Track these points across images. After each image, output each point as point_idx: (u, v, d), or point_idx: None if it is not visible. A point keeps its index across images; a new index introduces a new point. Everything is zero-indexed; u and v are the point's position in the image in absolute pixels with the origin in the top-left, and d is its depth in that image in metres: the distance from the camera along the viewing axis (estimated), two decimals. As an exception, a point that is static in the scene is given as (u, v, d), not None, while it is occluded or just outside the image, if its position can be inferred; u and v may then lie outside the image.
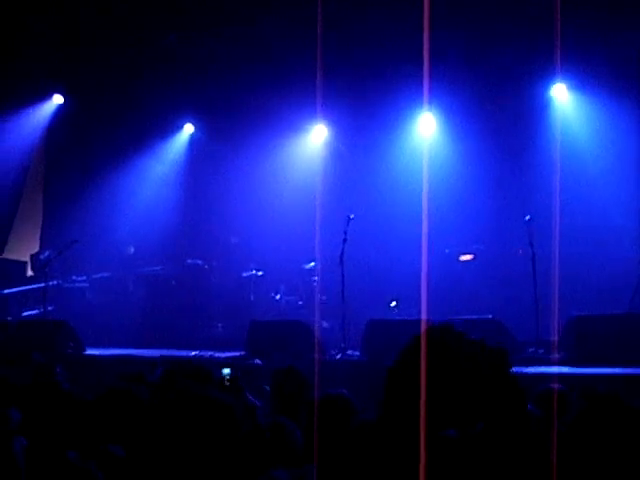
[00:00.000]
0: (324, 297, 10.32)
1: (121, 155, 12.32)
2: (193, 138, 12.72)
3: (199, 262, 11.51)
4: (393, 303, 10.04)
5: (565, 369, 6.86)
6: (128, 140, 12.25)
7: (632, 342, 7.12)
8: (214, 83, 11.78)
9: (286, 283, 11.04)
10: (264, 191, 11.82)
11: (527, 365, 7.22)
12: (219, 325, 10.75)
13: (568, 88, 10.99)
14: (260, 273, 11.09)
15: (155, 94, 11.86)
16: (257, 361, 7.67)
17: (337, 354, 8.13)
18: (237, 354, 8.05)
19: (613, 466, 2.39)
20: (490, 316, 8.05)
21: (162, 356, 8.01)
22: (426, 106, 10.97)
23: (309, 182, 11.04)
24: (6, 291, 11.28)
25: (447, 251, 10.46)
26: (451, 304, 9.22)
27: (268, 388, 4.70)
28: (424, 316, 6.25)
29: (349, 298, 8.91)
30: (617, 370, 6.43)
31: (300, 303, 10.67)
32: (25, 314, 10.88)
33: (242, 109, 11.79)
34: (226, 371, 4.34)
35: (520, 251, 9.85)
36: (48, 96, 12.49)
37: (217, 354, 8.37)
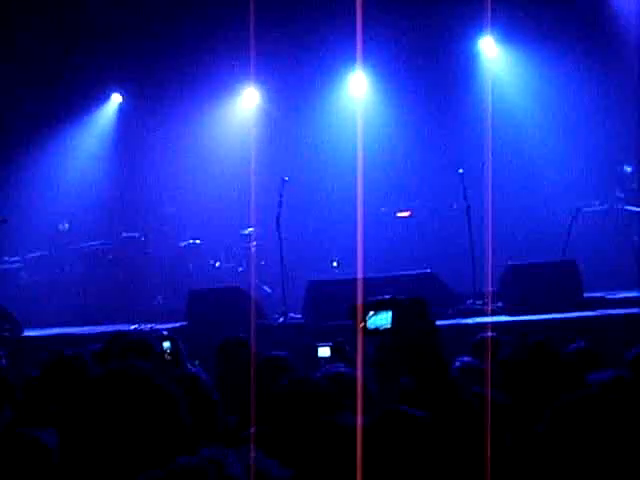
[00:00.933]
0: (263, 262, 10.30)
1: (49, 128, 11.97)
2: (122, 107, 12.42)
3: (135, 235, 11.33)
4: (335, 263, 10.06)
5: (502, 318, 7.00)
6: (55, 112, 11.90)
7: (565, 287, 7.29)
8: (140, 48, 11.48)
9: (225, 250, 10.96)
10: (197, 158, 11.65)
11: (465, 316, 7.34)
12: (159, 297, 10.64)
13: (496, 41, 11.05)
14: (198, 242, 10.98)
15: (79, 64, 11.52)
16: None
17: (279, 318, 8.13)
18: (177, 325, 7.98)
19: (538, 406, 2.45)
20: (428, 270, 8.13)
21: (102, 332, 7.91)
22: (358, 64, 10.91)
23: (242, 146, 10.92)
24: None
25: (383, 209, 10.50)
26: (389, 260, 9.30)
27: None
28: (360, 274, 6.29)
29: (288, 261, 8.90)
30: (551, 316, 6.59)
31: (240, 269, 10.61)
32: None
33: (171, 74, 11.54)
34: (166, 344, 4.29)
35: (454, 205, 9.95)
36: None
37: (157, 326, 8.29)
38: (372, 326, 2.05)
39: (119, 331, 4.99)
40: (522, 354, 3.02)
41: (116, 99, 12.43)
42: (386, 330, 2.06)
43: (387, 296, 2.09)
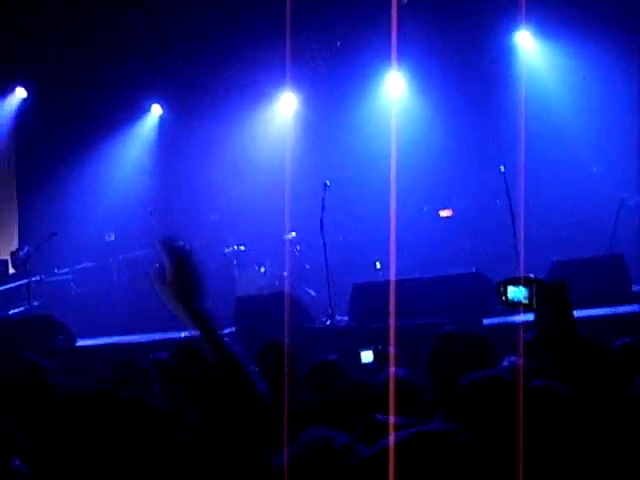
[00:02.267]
0: (308, 265, 10.36)
1: (92, 142, 12.21)
2: (162, 118, 12.63)
3: (180, 243, 11.47)
4: (378, 265, 10.08)
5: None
6: (97, 126, 12.14)
7: (613, 282, 7.22)
8: (179, 59, 11.66)
9: (270, 256, 11.05)
10: (237, 165, 11.78)
11: (513, 314, 7.30)
12: (206, 304, 10.75)
13: (532, 35, 10.97)
14: (242, 248, 11.09)
15: (119, 76, 11.73)
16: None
17: (326, 321, 8.18)
18: (226, 331, 8.07)
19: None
20: (474, 269, 8.11)
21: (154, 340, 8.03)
22: (394, 65, 10.93)
23: (281, 152, 11.00)
24: (-11, 290, 11.23)
25: (425, 209, 10.49)
26: (435, 260, 9.29)
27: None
28: (393, 276, 6.30)
29: (333, 264, 8.95)
30: (600, 311, 6.53)
31: (285, 274, 10.70)
32: (11, 312, 10.83)
33: (209, 83, 11.70)
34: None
35: (498, 202, 9.90)
36: (10, 89, 12.33)
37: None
38: (513, 299, 2.25)
39: (183, 339, 5.07)
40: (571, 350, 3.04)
41: (156, 110, 12.64)
42: (526, 304, 2.27)
43: (531, 275, 2.30)
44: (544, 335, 2.27)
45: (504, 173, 8.80)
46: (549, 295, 2.18)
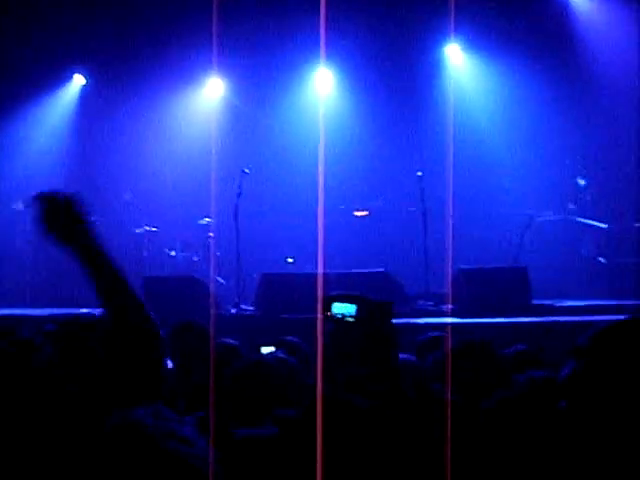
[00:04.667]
0: (218, 253, 10.29)
1: (8, 108, 11.79)
2: (84, 90, 12.27)
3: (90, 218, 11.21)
4: (290, 260, 10.10)
5: (451, 319, 7.12)
6: (16, 93, 11.72)
7: (514, 293, 7.45)
8: (106, 31, 11.37)
9: (181, 239, 10.92)
10: (158, 146, 11.58)
11: (417, 317, 7.46)
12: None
13: (462, 48, 11.20)
14: (154, 229, 10.92)
15: (43, 41, 11.36)
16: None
17: (232, 309, 8.15)
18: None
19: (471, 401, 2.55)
20: (382, 269, 8.23)
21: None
22: (323, 60, 10.97)
23: (203, 136, 10.88)
24: None
25: (342, 207, 10.57)
26: (345, 258, 9.37)
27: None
28: (320, 270, 6.35)
29: (244, 253, 8.91)
30: (499, 320, 6.73)
31: (195, 259, 10.59)
32: None
33: (135, 60, 11.43)
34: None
35: (413, 207, 10.07)
36: None
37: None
38: (337, 313, 2.18)
39: (73, 314, 4.95)
40: (458, 353, 3.17)
41: (78, 81, 12.27)
42: (349, 321, 2.19)
43: (356, 293, 2.25)
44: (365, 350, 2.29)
45: (421, 178, 8.96)
46: (376, 314, 2.20)
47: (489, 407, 2.24)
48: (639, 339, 1.39)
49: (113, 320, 2.04)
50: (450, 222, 7.62)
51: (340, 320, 2.20)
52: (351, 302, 2.20)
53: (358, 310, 2.14)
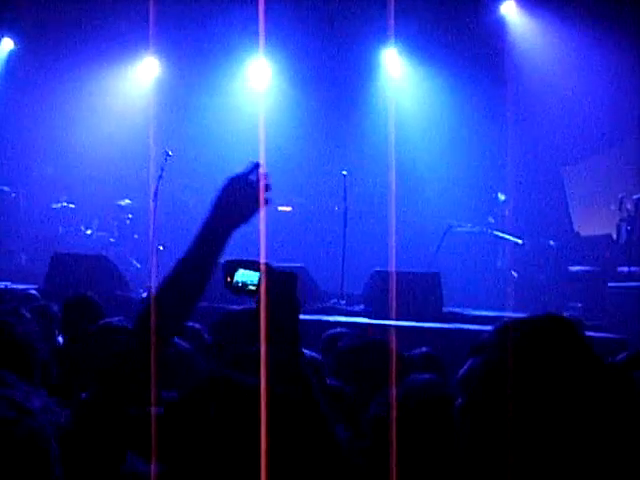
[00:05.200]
0: (136, 235, 10.10)
1: None
2: (11, 54, 11.83)
3: (5, 189, 10.86)
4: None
5: (361, 319, 7.14)
6: None
7: (426, 298, 7.52)
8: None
9: (100, 218, 10.68)
10: (85, 121, 11.28)
11: (327, 314, 7.47)
12: (23, 256, 10.25)
13: (399, 52, 11.27)
14: (72, 206, 10.64)
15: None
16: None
17: (143, 292, 8.00)
18: (34, 286, 7.69)
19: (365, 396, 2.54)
20: (299, 264, 8.21)
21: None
22: (261, 49, 10.88)
23: (133, 115, 10.67)
24: None
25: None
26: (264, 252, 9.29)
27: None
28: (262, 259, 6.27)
29: (160, 237, 8.76)
30: (408, 323, 6.78)
31: (112, 240, 10.36)
32: None
33: (69, 28, 11.10)
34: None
35: (337, 207, 10.10)
36: None
37: (14, 285, 7.97)
38: (239, 281, 2.05)
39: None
40: (357, 350, 3.17)
41: (6, 45, 11.84)
42: (251, 291, 2.07)
43: (263, 261, 2.10)
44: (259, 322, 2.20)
45: (345, 177, 8.98)
46: (280, 285, 2.09)
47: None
48: (538, 334, 1.39)
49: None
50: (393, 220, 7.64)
51: (241, 289, 2.08)
52: (254, 270, 2.08)
53: (260, 278, 2.03)
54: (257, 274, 1.99)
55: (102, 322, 3.78)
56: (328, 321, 7.13)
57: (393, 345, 3.60)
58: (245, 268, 2.00)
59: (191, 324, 4.87)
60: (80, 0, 10.98)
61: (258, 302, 1.95)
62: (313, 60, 11.05)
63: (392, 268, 8.20)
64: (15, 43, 11.80)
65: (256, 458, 1.84)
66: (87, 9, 11.01)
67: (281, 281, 1.97)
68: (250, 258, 2.06)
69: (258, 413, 1.89)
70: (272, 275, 1.98)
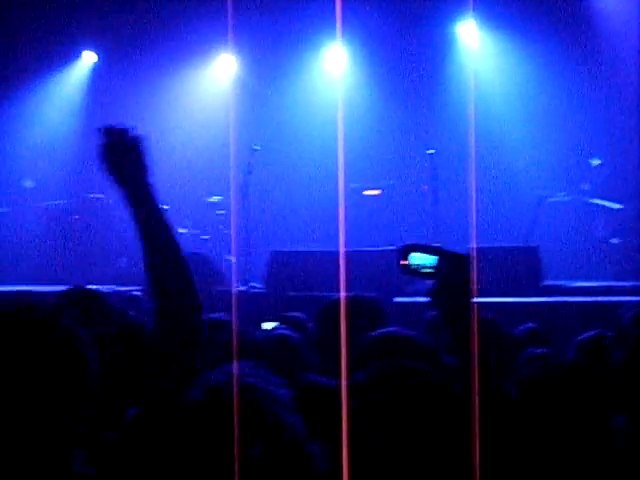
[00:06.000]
0: (227, 230, 10.26)
1: (18, 85, 11.77)
2: (94, 67, 12.25)
3: (101, 196, 11.21)
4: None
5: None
6: (26, 70, 11.70)
7: (525, 273, 7.37)
8: (114, 5, 11.31)
9: (191, 217, 10.90)
10: (168, 123, 11.53)
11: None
12: (123, 259, 10.56)
13: (478, 26, 11.04)
14: (166, 207, 10.87)
15: (52, 18, 11.33)
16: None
17: (240, 286, 8.13)
18: (139, 288, 7.92)
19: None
20: (393, 247, 8.15)
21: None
22: (338, 37, 10.87)
23: (214, 113, 10.83)
24: None
25: (352, 186, 10.51)
26: (356, 237, 9.31)
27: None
28: (342, 248, 6.31)
29: (254, 231, 8.88)
30: (509, 299, 6.67)
31: (205, 237, 10.57)
32: None
33: (147, 34, 11.37)
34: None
35: (425, 187, 10.00)
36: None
37: (119, 288, 8.23)
38: (413, 264, 2.11)
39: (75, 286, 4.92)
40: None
41: (89, 58, 12.24)
42: (427, 273, 2.14)
43: (435, 244, 2.20)
44: (445, 307, 2.24)
45: (432, 156, 8.88)
46: (454, 267, 2.12)
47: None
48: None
49: (158, 295, 1.94)
50: (473, 198, 7.53)
51: (416, 271, 2.15)
52: (431, 253, 2.14)
53: (438, 261, 2.09)
54: (432, 257, 2.05)
55: (207, 317, 3.86)
56: (424, 302, 7.07)
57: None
58: (419, 251, 2.06)
59: (295, 314, 4.93)
60: (152, 5, 11.21)
61: (438, 284, 2.00)
62: (388, 40, 10.97)
63: (473, 244, 8.06)
64: (97, 54, 12.18)
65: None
66: (160, 12, 11.23)
67: (456, 263, 2.00)
68: (423, 242, 2.13)
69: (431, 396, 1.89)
70: (448, 258, 2.03)
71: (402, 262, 2.16)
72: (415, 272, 2.15)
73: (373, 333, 2.92)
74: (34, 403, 1.44)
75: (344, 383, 1.98)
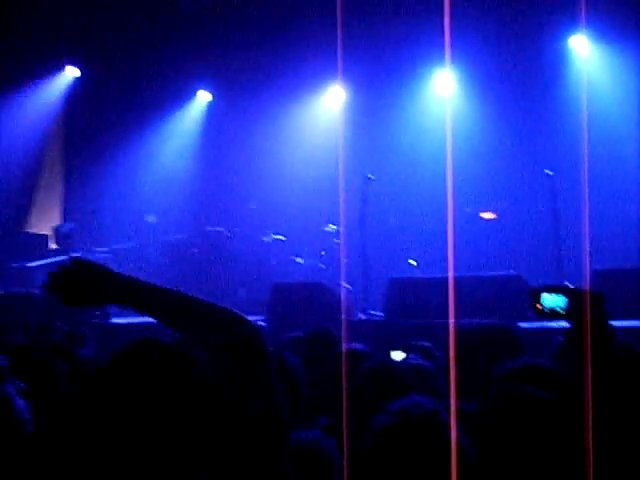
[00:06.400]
0: (346, 259, 10.32)
1: (139, 123, 12.32)
2: (210, 104, 12.72)
3: (220, 229, 11.55)
4: (412, 262, 10.01)
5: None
6: (146, 108, 12.25)
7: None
8: (229, 46, 11.69)
9: (308, 247, 11.06)
10: (282, 155, 11.79)
11: (549, 319, 7.18)
12: (242, 290, 10.80)
13: (589, 39, 10.78)
14: (282, 238, 11.11)
15: (169, 60, 11.82)
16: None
17: (360, 314, 8.15)
18: (260, 317, 8.08)
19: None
20: (514, 272, 7.99)
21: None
22: (447, 62, 10.83)
23: (327, 144, 10.99)
24: (29, 264, 11.37)
25: (468, 209, 10.39)
26: (473, 262, 9.19)
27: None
28: (451, 274, 6.24)
29: (371, 259, 8.90)
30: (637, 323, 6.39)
31: (322, 266, 10.68)
32: (50, 285, 10.96)
33: (257, 71, 11.71)
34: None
35: (542, 207, 9.77)
36: (61, 68, 12.49)
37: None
38: (547, 307, 2.11)
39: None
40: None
41: (204, 97, 12.72)
42: (562, 314, 2.13)
43: (566, 283, 2.18)
44: (579, 346, 2.18)
45: (552, 177, 8.67)
46: (588, 306, 2.07)
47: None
48: None
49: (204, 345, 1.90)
50: (586, 221, 7.30)
51: (550, 313, 2.13)
52: (561, 294, 2.12)
53: (570, 302, 2.06)
54: (563, 298, 2.03)
55: (346, 348, 3.91)
56: (552, 327, 6.87)
57: None
58: (549, 292, 2.04)
59: (422, 342, 4.91)
60: (265, 41, 11.51)
61: (574, 326, 1.97)
62: (497, 60, 10.84)
63: (586, 269, 7.81)
64: (211, 93, 12.62)
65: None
66: (271, 48, 11.52)
67: (591, 301, 1.97)
68: (553, 283, 2.10)
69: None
70: (581, 297, 2.00)
71: (535, 305, 2.14)
72: (549, 314, 2.12)
73: (511, 363, 2.87)
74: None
75: (453, 409, 1.97)
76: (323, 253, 10.30)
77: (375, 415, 2.28)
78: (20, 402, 1.44)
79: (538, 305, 2.14)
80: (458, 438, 1.53)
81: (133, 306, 1.93)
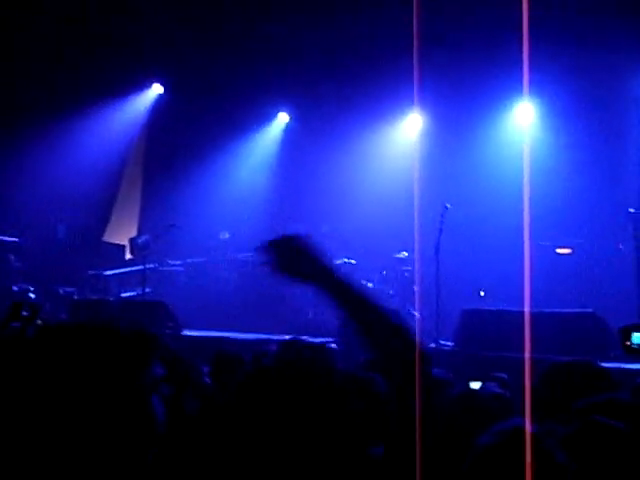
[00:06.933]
0: (416, 287, 10.28)
1: (219, 142, 12.58)
2: (288, 126, 12.89)
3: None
4: (482, 293, 9.92)
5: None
6: (225, 127, 12.50)
7: None
8: (311, 71, 11.86)
9: (379, 272, 11.04)
10: (357, 180, 11.85)
11: (626, 361, 7.02)
12: (310, 312, 10.84)
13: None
14: (352, 261, 11.12)
15: (252, 82, 12.04)
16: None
17: (430, 343, 8.09)
18: (328, 340, 8.08)
19: None
20: (590, 310, 7.84)
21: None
22: (525, 94, 10.76)
23: (402, 171, 10.99)
24: (107, 272, 11.68)
25: (542, 243, 10.25)
26: (547, 297, 9.04)
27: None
28: (527, 308, 6.16)
29: (443, 288, 8.84)
30: None
31: (391, 292, 10.65)
32: (124, 295, 11.24)
33: (337, 95, 11.83)
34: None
35: (621, 245, 9.57)
36: (148, 85, 12.87)
37: (309, 339, 8.42)
38: (637, 344, 2.12)
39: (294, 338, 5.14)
40: None
41: (282, 118, 12.91)
42: None
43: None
44: None
45: (633, 215, 8.50)
46: None
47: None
48: None
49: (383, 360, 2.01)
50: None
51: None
52: None
53: None
54: None
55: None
56: (630, 368, 6.70)
57: None
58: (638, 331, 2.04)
59: (499, 374, 4.85)
60: (344, 68, 11.63)
61: None
62: (576, 94, 10.71)
63: None
64: (290, 115, 12.80)
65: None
66: (352, 78, 11.63)
67: None
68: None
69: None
70: None
71: (626, 343, 2.14)
72: (638, 351, 2.12)
73: (595, 397, 2.83)
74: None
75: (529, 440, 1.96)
76: (384, 273, 10.31)
77: (467, 439, 2.28)
78: (160, 409, 1.53)
79: (627, 342, 2.13)
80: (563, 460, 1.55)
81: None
